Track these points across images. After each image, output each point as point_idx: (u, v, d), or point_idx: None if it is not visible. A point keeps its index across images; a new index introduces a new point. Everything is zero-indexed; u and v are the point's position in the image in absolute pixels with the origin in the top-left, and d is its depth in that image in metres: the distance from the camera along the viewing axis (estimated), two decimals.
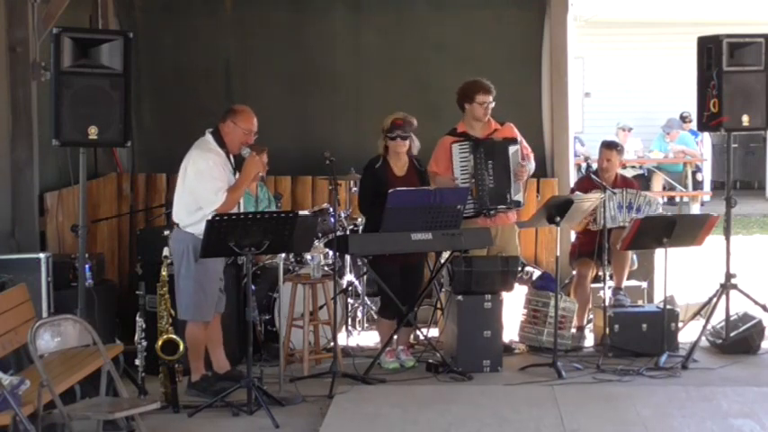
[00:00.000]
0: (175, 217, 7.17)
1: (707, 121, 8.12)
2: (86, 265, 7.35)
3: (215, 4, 10.05)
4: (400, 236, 7.50)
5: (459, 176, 7.92)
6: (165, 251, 7.02)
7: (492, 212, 7.95)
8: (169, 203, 8.79)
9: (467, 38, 9.83)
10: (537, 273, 9.28)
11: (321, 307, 7.97)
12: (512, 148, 7.97)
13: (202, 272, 7.01)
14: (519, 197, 8.01)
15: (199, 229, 6.91)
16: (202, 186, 6.96)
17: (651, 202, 8.53)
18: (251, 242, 6.73)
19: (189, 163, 7.05)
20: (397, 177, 7.82)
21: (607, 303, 8.11)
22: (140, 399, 6.41)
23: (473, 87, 8.03)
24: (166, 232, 7.55)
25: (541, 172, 9.39)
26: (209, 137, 7.15)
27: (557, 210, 7.70)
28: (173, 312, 7.08)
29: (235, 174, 7.17)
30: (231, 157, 7.19)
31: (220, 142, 7.11)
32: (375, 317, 8.48)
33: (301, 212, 7.58)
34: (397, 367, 7.78)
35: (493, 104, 8.02)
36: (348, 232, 8.42)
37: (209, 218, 6.65)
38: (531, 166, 8.21)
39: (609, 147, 8.72)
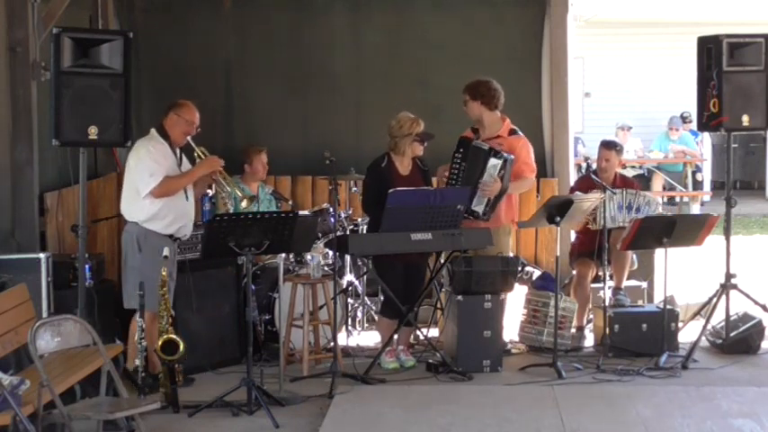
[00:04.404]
0: (122, 210, 7.30)
1: (707, 121, 8.12)
2: (86, 265, 7.35)
3: (215, 4, 10.05)
4: (400, 236, 7.50)
5: (450, 170, 7.92)
6: (165, 251, 7.02)
7: None
8: None
9: (467, 37, 9.83)
10: (537, 273, 9.29)
11: (321, 307, 7.97)
12: (492, 161, 7.72)
13: (146, 262, 7.06)
14: (478, 208, 7.77)
15: (142, 216, 7.09)
16: (138, 170, 7.11)
17: (651, 202, 8.53)
18: (251, 242, 6.74)
19: (131, 154, 7.22)
20: (403, 177, 7.81)
21: (607, 303, 8.11)
22: (140, 399, 6.41)
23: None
24: None
25: (541, 172, 9.38)
26: (153, 132, 7.32)
27: (557, 210, 7.69)
28: (173, 312, 7.08)
29: (180, 165, 7.31)
30: (177, 150, 7.33)
31: (164, 135, 7.28)
32: (375, 317, 8.49)
33: (301, 212, 7.59)
34: (397, 367, 7.77)
35: (467, 105, 7.98)
36: (348, 232, 8.42)
37: (209, 218, 6.68)
38: (521, 185, 8.00)
39: (608, 147, 8.72)
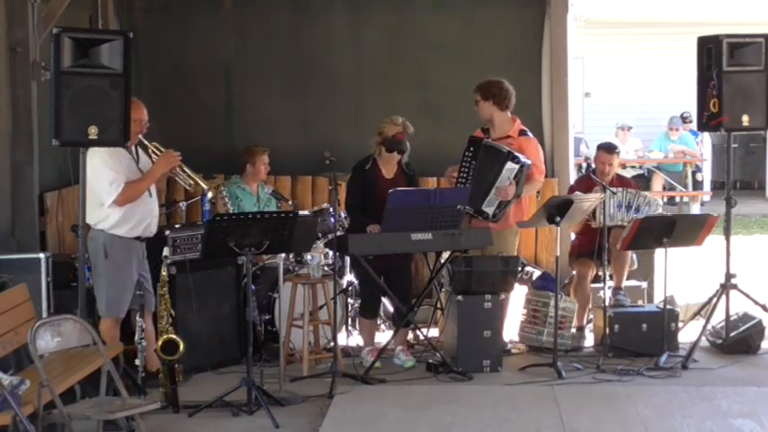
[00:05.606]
0: (87, 219, 7.01)
1: (707, 121, 8.11)
2: (86, 266, 7.33)
3: (215, 4, 10.05)
4: (400, 236, 7.51)
5: (459, 170, 7.90)
6: (165, 251, 7.02)
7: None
8: (169, 203, 8.80)
9: (467, 37, 9.83)
10: (537, 273, 9.28)
11: (321, 307, 7.97)
12: (508, 165, 7.72)
13: (113, 268, 6.97)
14: (489, 210, 7.81)
15: (108, 224, 6.94)
16: (98, 179, 6.95)
17: (651, 202, 8.52)
18: (251, 242, 6.74)
19: (87, 163, 6.99)
20: (386, 180, 7.85)
21: (607, 303, 8.11)
22: (140, 399, 6.41)
23: None
24: (167, 232, 7.56)
25: None
26: None
27: (557, 210, 7.69)
28: (173, 312, 7.08)
29: (138, 162, 7.14)
30: (132, 148, 7.12)
31: None
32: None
33: (301, 212, 7.59)
34: (379, 367, 7.71)
35: (478, 105, 7.99)
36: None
37: (209, 218, 6.66)
38: (530, 187, 7.99)
39: (608, 151, 8.69)
